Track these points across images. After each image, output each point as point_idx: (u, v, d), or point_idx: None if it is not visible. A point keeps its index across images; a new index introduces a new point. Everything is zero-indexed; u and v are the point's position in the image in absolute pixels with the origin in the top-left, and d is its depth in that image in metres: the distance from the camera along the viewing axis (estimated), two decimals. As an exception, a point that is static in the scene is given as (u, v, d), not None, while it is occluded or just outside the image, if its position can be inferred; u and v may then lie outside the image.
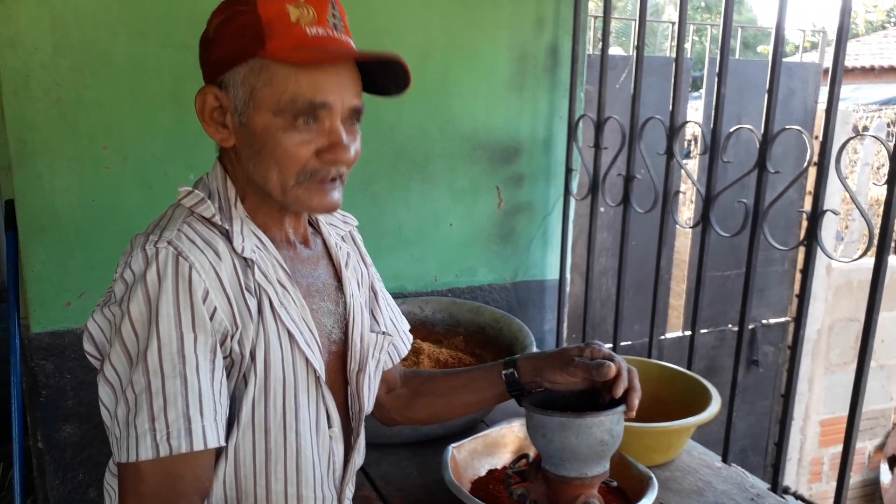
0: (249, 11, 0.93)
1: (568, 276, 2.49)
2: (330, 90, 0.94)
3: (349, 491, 1.16)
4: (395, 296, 2.19)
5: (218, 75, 0.97)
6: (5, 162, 1.71)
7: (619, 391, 1.09)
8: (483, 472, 1.50)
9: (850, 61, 10.99)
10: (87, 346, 0.96)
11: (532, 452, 1.28)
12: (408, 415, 1.30)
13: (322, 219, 1.18)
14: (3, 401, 1.84)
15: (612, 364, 1.09)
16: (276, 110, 0.94)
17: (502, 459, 1.54)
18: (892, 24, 17.42)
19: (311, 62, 0.94)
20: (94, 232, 1.78)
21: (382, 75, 1.00)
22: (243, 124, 0.97)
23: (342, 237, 1.21)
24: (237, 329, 0.94)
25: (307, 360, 1.01)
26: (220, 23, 0.96)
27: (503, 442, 1.56)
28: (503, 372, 1.21)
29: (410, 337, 1.34)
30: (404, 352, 1.31)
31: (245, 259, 0.98)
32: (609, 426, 1.08)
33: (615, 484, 1.24)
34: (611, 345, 2.33)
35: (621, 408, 1.10)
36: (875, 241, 1.48)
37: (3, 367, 1.85)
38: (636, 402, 1.10)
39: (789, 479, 3.95)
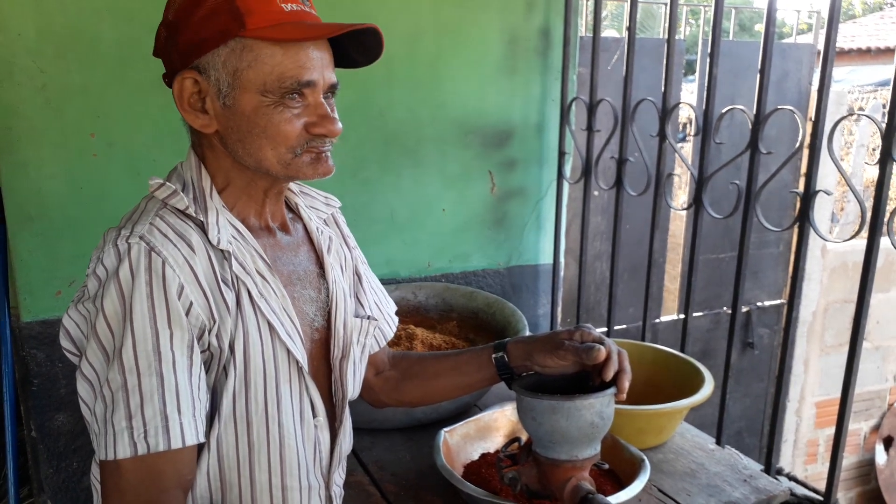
0: None
1: (562, 260, 2.49)
2: (313, 67, 0.95)
3: (338, 477, 1.16)
4: (389, 282, 2.20)
5: (192, 59, 0.94)
6: (-9, 150, 1.69)
7: (610, 374, 1.09)
8: (476, 457, 1.50)
9: (846, 43, 10.94)
10: (64, 343, 0.95)
11: (524, 436, 1.28)
12: (397, 397, 1.30)
13: (302, 202, 1.17)
14: (-5, 390, 1.84)
15: (601, 347, 1.09)
16: (263, 90, 0.93)
17: (495, 443, 1.54)
18: (889, 6, 17.34)
19: (297, 40, 0.93)
20: (83, 220, 1.77)
21: (353, 48, 1.00)
22: (228, 107, 0.95)
23: (324, 220, 1.20)
24: (214, 323, 0.93)
25: (288, 352, 1.00)
26: (184, 5, 0.93)
27: (495, 426, 1.56)
28: (493, 355, 1.20)
29: (396, 319, 1.33)
30: (390, 335, 1.31)
31: (222, 251, 0.96)
32: (599, 409, 1.08)
33: (607, 466, 1.24)
34: (605, 329, 2.32)
35: (611, 390, 1.10)
36: (867, 222, 1.48)
37: (-6, 357, 1.85)
38: (626, 384, 1.10)
39: (785, 460, 3.97)
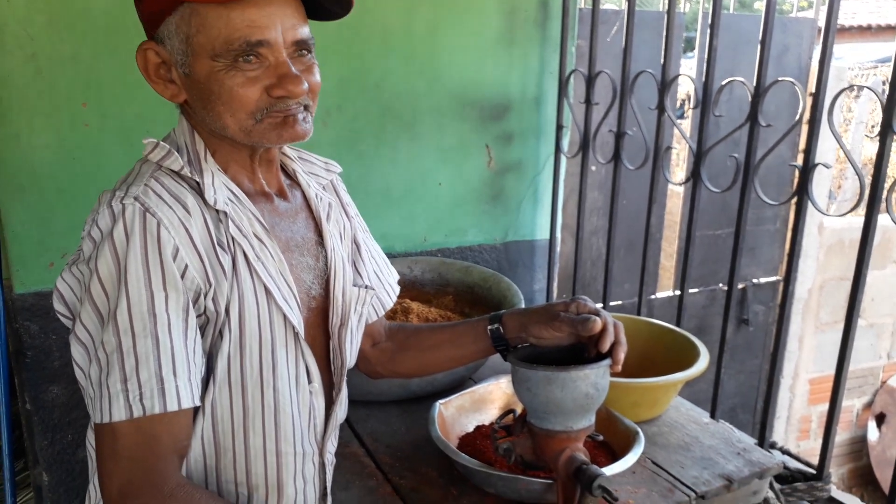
0: None
1: (558, 235, 2.48)
2: (266, 25, 0.90)
3: (331, 445, 1.16)
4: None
5: (153, 30, 0.93)
6: (-19, 120, 1.67)
7: (606, 345, 1.08)
8: (470, 428, 1.50)
9: (846, 20, 10.85)
10: (58, 306, 0.94)
11: (519, 408, 1.28)
12: (393, 368, 1.30)
13: (301, 168, 1.15)
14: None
15: (597, 318, 1.08)
16: (213, 55, 0.90)
17: (490, 415, 1.54)
18: (890, -17, 17.15)
19: None
20: (75, 191, 1.75)
21: None
22: (188, 75, 0.93)
23: (323, 186, 1.18)
24: (210, 286, 0.92)
25: (285, 317, 0.99)
26: None
27: (490, 398, 1.56)
28: (488, 327, 1.20)
29: (397, 289, 1.32)
30: (389, 304, 1.30)
31: (217, 212, 0.95)
32: (594, 380, 1.08)
33: (601, 438, 1.24)
34: (601, 304, 2.32)
35: (606, 361, 1.09)
36: (866, 198, 1.47)
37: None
38: (622, 356, 1.09)
39: (778, 436, 4.00)
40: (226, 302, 0.94)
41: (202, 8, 0.89)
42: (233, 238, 0.95)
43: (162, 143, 0.96)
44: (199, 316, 0.93)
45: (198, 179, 0.95)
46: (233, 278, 0.94)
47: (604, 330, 1.09)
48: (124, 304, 0.86)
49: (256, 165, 1.04)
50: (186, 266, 0.90)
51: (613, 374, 1.13)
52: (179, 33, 0.91)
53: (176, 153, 0.95)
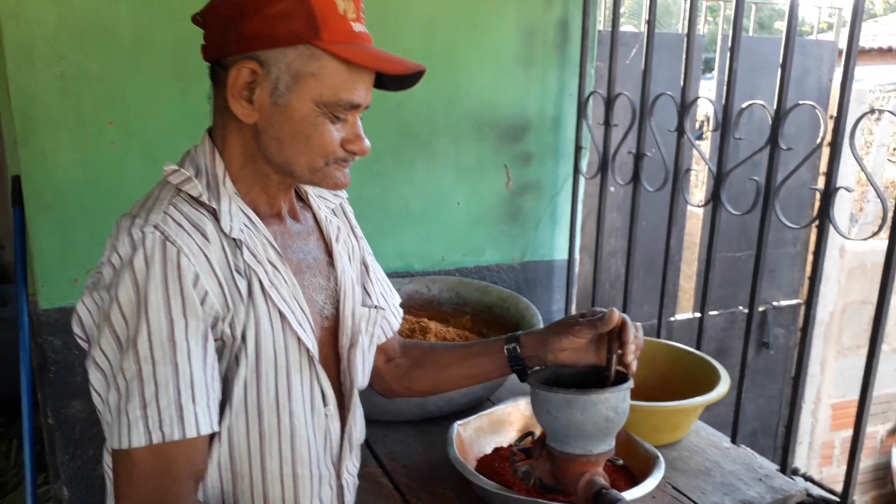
0: None
1: (577, 256, 2.47)
2: (366, 93, 0.98)
3: (351, 466, 1.16)
4: (402, 275, 2.19)
5: (253, 49, 0.93)
6: (11, 137, 1.70)
7: (629, 336, 1.09)
8: (489, 450, 1.49)
9: (867, 42, 10.80)
10: (76, 329, 0.94)
11: (538, 430, 1.27)
12: (408, 385, 1.29)
13: (311, 191, 1.17)
14: (14, 379, 1.85)
15: (614, 309, 1.10)
16: (318, 101, 0.94)
17: (508, 437, 1.53)
18: (911, 5, 17.09)
19: (367, 67, 0.95)
20: (99, 208, 1.77)
21: (389, 76, 1.01)
22: (278, 105, 0.95)
23: (332, 210, 1.20)
24: (228, 312, 0.93)
25: (299, 340, 1.00)
26: None
27: (509, 420, 1.55)
28: (505, 347, 1.20)
29: (401, 311, 1.33)
30: (396, 325, 1.30)
31: (233, 239, 0.96)
32: (614, 403, 1.07)
33: (621, 462, 1.23)
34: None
35: (627, 384, 1.09)
36: (889, 221, 1.45)
37: (12, 346, 1.86)
38: (633, 352, 1.10)
39: (800, 462, 3.93)
40: (242, 327, 0.95)
41: (325, 56, 0.93)
42: (248, 264, 0.96)
43: (181, 169, 0.97)
44: (216, 340, 0.94)
45: (215, 206, 0.96)
46: (249, 303, 0.95)
47: (624, 323, 1.10)
48: (144, 331, 0.87)
49: (279, 190, 1.05)
50: (206, 293, 0.91)
51: (627, 371, 1.12)
52: (291, 68, 0.93)
53: (195, 180, 0.96)
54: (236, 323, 0.94)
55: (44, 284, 1.77)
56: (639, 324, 1.13)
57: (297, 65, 0.92)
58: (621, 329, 1.10)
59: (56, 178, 1.73)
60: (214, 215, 0.96)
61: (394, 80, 1.01)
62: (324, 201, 1.19)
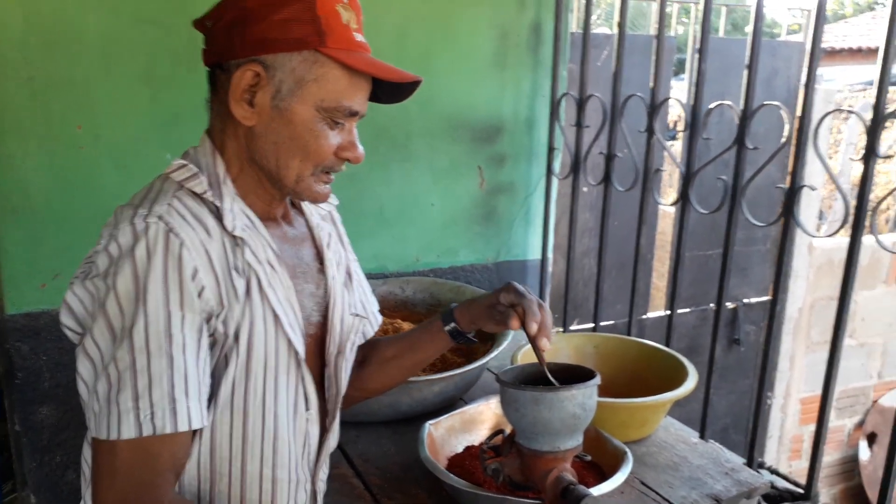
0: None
1: (550, 256, 2.49)
2: (364, 100, 1.01)
3: (323, 473, 1.16)
4: (377, 276, 2.20)
5: (258, 53, 0.94)
6: (-23, 142, 1.68)
7: (533, 329, 1.10)
8: (460, 449, 1.50)
9: (837, 42, 11.00)
10: (65, 320, 0.93)
11: (508, 428, 1.29)
12: (361, 386, 1.27)
13: None
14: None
15: (514, 314, 1.11)
16: (320, 106, 0.96)
17: (480, 436, 1.54)
18: (880, 5, 17.43)
19: (370, 74, 0.97)
20: (68, 213, 1.76)
21: (381, 87, 1.03)
22: (278, 109, 0.96)
23: (322, 217, 1.20)
24: (223, 309, 0.93)
25: (289, 342, 1.00)
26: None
27: (480, 419, 1.57)
28: (445, 328, 1.21)
29: (380, 318, 1.33)
30: (371, 333, 1.30)
31: (235, 237, 0.97)
32: (581, 400, 1.09)
33: (589, 458, 1.25)
34: (592, 325, 2.33)
35: (594, 381, 1.11)
36: (851, 219, 1.49)
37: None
38: (545, 341, 1.12)
39: (770, 456, 4.00)
40: (236, 326, 0.95)
41: (329, 63, 0.94)
42: (248, 264, 0.97)
43: (189, 164, 0.97)
44: (208, 336, 0.94)
45: (218, 204, 0.97)
46: (245, 302, 0.96)
47: (525, 313, 1.11)
48: (141, 322, 0.86)
49: (272, 196, 1.05)
50: (203, 287, 0.91)
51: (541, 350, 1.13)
52: (295, 73, 0.94)
53: (201, 176, 0.96)
54: (230, 320, 0.94)
55: (10, 290, 1.75)
56: (541, 301, 1.14)
57: (301, 70, 0.94)
58: (524, 323, 1.11)
59: (24, 182, 1.71)
60: (216, 213, 0.96)
61: (388, 93, 1.04)
62: (315, 207, 1.19)
